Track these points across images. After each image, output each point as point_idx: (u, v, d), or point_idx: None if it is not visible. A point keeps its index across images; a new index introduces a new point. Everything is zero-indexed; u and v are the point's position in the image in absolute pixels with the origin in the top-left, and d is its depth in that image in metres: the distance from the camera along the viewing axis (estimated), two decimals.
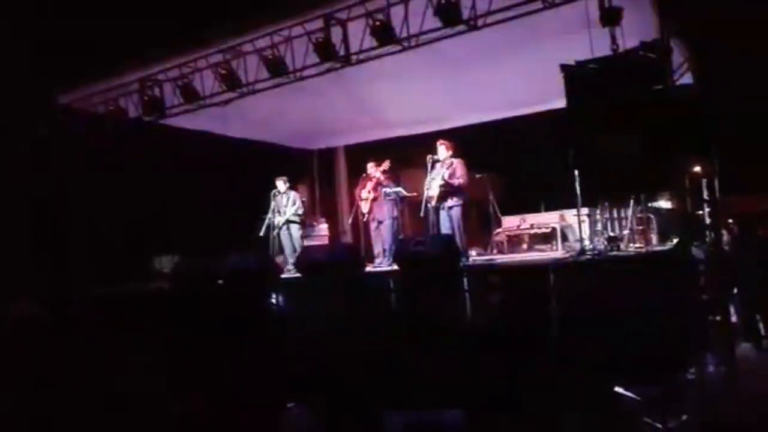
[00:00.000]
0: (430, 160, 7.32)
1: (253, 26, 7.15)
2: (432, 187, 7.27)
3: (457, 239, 6.93)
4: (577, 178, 5.77)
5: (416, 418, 3.97)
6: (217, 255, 7.63)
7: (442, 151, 7.29)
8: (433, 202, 7.26)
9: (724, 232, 5.44)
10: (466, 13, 6.07)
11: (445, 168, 7.23)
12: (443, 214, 7.26)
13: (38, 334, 5.99)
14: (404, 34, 6.44)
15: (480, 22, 6.10)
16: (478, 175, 8.40)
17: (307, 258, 7.07)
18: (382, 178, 8.23)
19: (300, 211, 8.64)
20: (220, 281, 7.11)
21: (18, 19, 8.07)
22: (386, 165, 8.26)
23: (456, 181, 7.13)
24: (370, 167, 8.37)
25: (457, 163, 7.25)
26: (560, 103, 5.84)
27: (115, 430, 4.28)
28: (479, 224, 8.74)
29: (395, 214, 8.31)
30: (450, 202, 7.19)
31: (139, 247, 8.79)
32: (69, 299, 7.30)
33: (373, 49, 6.63)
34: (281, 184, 8.60)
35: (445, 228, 7.23)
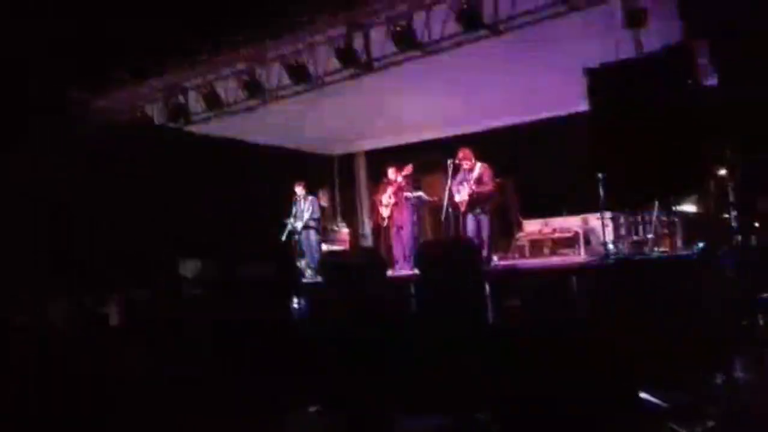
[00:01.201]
0: (451, 165, 7.34)
1: (276, 33, 7.25)
2: (461, 192, 7.28)
3: (485, 245, 6.95)
4: (601, 182, 5.74)
5: (449, 421, 3.96)
6: (240, 260, 7.69)
7: (466, 162, 7.32)
8: (462, 208, 7.28)
9: (752, 235, 5.35)
10: (487, 19, 6.08)
11: (470, 173, 7.25)
12: (471, 219, 7.27)
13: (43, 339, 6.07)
14: (426, 40, 6.48)
15: (502, 27, 6.11)
16: (498, 180, 8.37)
17: (328, 262, 7.11)
18: (403, 182, 8.25)
19: (315, 216, 8.70)
20: (243, 286, 7.16)
21: (44, 24, 8.24)
22: (408, 170, 8.28)
23: (485, 188, 7.16)
24: (391, 172, 8.39)
25: (483, 168, 7.27)
26: (583, 106, 5.81)
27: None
28: (501, 229, 8.70)
29: (416, 218, 8.32)
30: (479, 209, 7.21)
31: (163, 252, 8.91)
32: (89, 304, 7.40)
33: (394, 54, 6.68)
34: (300, 190, 8.68)
35: (471, 233, 7.24)
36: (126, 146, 8.59)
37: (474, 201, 7.19)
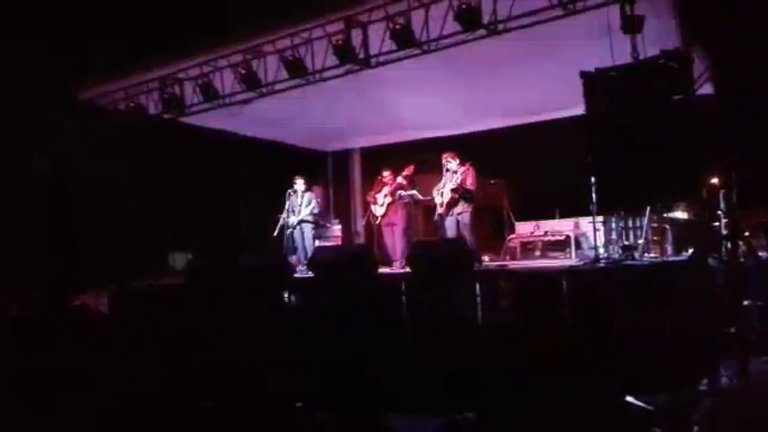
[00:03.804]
0: (446, 164, 7.36)
1: (274, 27, 7.23)
2: (444, 194, 7.29)
3: (469, 245, 6.94)
4: (594, 186, 5.76)
5: (439, 420, 3.97)
6: (231, 253, 7.68)
7: (452, 163, 7.34)
8: (442, 209, 7.27)
9: (741, 243, 5.40)
10: (486, 19, 6.09)
11: (455, 175, 7.27)
12: (450, 220, 7.27)
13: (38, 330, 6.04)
14: (424, 38, 6.48)
15: (500, 28, 6.12)
16: (492, 181, 8.39)
17: (320, 258, 7.10)
18: (404, 182, 8.22)
19: (315, 211, 8.66)
20: (234, 279, 7.14)
21: (40, 15, 8.19)
22: (409, 170, 8.25)
23: (468, 189, 7.17)
24: (388, 174, 8.35)
25: (468, 169, 7.28)
26: (579, 110, 5.83)
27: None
28: (493, 230, 8.73)
29: (409, 217, 8.32)
30: (459, 208, 7.21)
31: (154, 244, 8.88)
32: (77, 293, 7.36)
33: (392, 52, 6.67)
34: (300, 183, 8.60)
35: (451, 234, 7.24)
36: (118, 137, 8.56)
37: (455, 200, 7.20)
